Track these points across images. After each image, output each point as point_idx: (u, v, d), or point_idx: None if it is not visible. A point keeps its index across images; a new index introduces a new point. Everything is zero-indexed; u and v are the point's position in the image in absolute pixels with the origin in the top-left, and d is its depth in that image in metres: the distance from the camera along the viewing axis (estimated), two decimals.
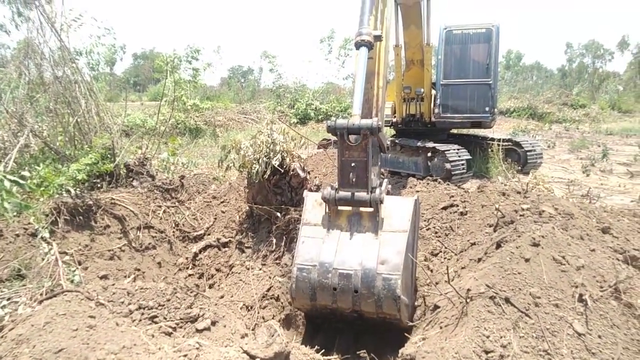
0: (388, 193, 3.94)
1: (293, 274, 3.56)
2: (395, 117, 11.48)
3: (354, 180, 3.54)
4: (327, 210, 3.71)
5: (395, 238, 3.57)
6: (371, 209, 3.62)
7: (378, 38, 4.00)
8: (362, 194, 3.55)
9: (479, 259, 4.00)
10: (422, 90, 10.69)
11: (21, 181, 3.80)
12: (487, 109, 10.37)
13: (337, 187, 3.62)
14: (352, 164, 3.53)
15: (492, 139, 11.22)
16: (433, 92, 11.03)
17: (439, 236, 5.05)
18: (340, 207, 3.69)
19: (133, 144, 6.63)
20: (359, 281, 3.44)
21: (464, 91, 10.50)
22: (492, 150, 10.44)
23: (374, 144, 3.69)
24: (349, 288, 3.45)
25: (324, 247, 3.58)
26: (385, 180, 4.00)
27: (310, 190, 5.14)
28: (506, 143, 10.89)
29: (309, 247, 3.62)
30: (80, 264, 4.20)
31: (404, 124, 11.25)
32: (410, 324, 3.69)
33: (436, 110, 10.69)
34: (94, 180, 5.21)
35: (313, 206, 3.82)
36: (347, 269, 3.47)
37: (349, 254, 3.53)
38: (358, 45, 3.89)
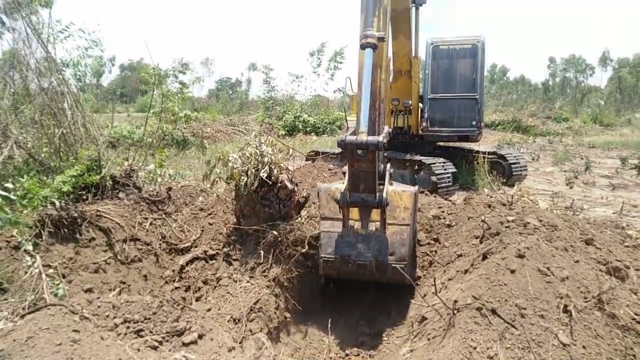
0: (390, 176, 4.61)
1: (320, 264, 4.37)
2: None
3: (362, 188, 4.09)
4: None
5: (400, 231, 4.26)
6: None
7: (382, 39, 4.16)
8: (370, 198, 4.09)
9: (466, 271, 4.05)
10: (410, 102, 10.82)
11: (12, 197, 3.74)
12: (473, 123, 10.54)
13: (348, 191, 4.17)
14: (361, 174, 4.03)
15: (478, 152, 11.38)
16: (420, 105, 11.17)
17: (427, 248, 5.08)
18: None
19: (120, 155, 6.57)
20: (374, 269, 4.20)
21: (451, 105, 10.67)
22: (477, 163, 10.58)
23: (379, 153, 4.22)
24: (366, 273, 4.24)
25: (342, 242, 4.26)
26: (388, 164, 4.68)
27: (299, 202, 5.15)
28: (491, 156, 11.04)
29: (329, 242, 4.31)
30: (64, 277, 4.13)
31: (392, 137, 11.35)
32: (414, 283, 4.46)
33: (424, 124, 10.82)
34: (80, 192, 5.13)
35: (327, 200, 4.48)
36: (363, 261, 4.19)
37: (364, 247, 4.22)
38: (363, 47, 4.05)
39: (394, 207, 4.32)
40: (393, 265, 4.14)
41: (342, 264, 4.23)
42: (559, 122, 30.74)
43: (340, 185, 4.45)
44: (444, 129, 10.75)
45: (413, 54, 10.55)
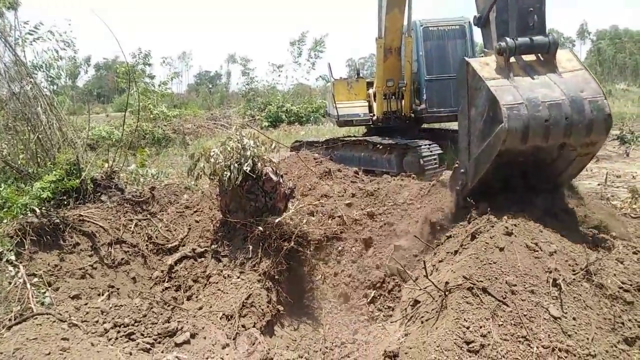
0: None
1: (504, 114, 3.67)
2: (373, 114, 11.52)
3: (532, 24, 3.81)
4: (499, 64, 3.97)
5: (576, 74, 3.90)
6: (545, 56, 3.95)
7: None
8: (541, 38, 3.81)
9: (455, 252, 4.06)
10: (405, 82, 10.74)
11: None
12: None
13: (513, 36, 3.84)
14: (530, 9, 3.79)
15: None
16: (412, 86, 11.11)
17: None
18: (511, 60, 3.95)
19: (99, 157, 6.44)
20: (569, 108, 3.68)
21: (447, 86, 10.65)
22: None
23: None
24: (560, 116, 3.69)
25: (520, 89, 3.78)
26: None
27: (285, 193, 5.10)
28: None
29: (506, 91, 3.79)
30: (50, 285, 4.05)
31: (384, 121, 11.29)
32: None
33: (423, 106, 10.80)
34: (60, 198, 5.01)
35: (481, 67, 4.04)
36: (555, 100, 3.70)
37: (547, 90, 3.78)
38: None
39: (559, 61, 4.00)
40: (590, 99, 3.70)
41: (530, 109, 3.68)
42: None
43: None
44: (442, 109, 10.77)
45: (405, 32, 10.44)
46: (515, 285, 3.21)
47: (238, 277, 4.36)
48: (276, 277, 4.51)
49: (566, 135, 3.77)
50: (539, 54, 4.02)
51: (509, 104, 3.72)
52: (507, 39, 3.91)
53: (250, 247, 4.57)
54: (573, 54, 4.22)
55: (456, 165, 4.65)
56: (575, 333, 2.97)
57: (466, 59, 4.35)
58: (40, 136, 5.37)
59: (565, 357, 2.80)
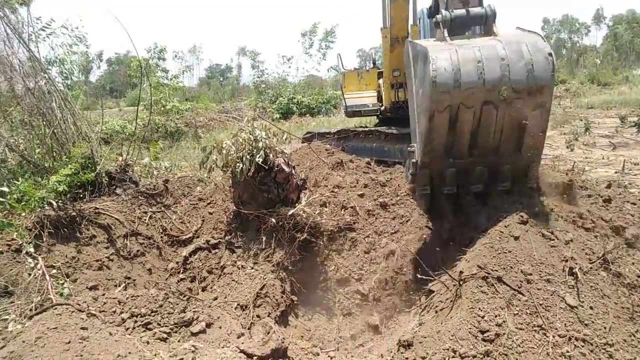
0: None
1: (431, 58, 3.52)
2: (382, 105, 11.42)
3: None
4: (438, 38, 3.86)
5: (515, 33, 3.76)
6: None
7: None
8: (477, 9, 3.74)
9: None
10: None
11: (1, 199, 3.70)
12: None
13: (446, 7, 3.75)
14: None
15: None
16: None
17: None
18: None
19: (113, 151, 6.51)
20: (504, 51, 3.51)
21: None
22: None
23: None
24: (495, 56, 3.50)
25: (455, 44, 3.65)
26: None
27: (297, 184, 5.10)
28: None
29: (439, 46, 3.65)
30: (68, 276, 4.13)
31: (392, 111, 11.18)
32: None
33: None
34: (76, 191, 5.10)
35: (420, 41, 4.04)
36: (489, 45, 3.58)
37: (483, 41, 3.67)
38: None
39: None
40: (528, 42, 3.53)
41: (461, 51, 3.54)
42: (556, 85, 30.39)
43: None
44: None
45: (411, 21, 10.30)
46: (530, 274, 3.18)
47: (252, 268, 4.39)
48: (290, 267, 4.52)
49: (504, 77, 3.51)
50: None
51: (438, 51, 3.60)
52: (444, 10, 3.84)
53: (264, 238, 4.59)
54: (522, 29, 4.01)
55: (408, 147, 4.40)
56: (592, 322, 2.94)
57: (408, 40, 4.31)
58: (55, 131, 5.45)
59: (582, 346, 2.78)
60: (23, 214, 4.44)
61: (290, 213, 4.65)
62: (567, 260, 3.28)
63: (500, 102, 3.57)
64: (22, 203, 4.53)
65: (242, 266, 4.43)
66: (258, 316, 3.82)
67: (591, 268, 3.27)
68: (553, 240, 3.47)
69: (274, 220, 4.61)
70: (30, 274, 3.83)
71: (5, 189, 4.48)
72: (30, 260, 3.97)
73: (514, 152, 3.82)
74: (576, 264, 3.25)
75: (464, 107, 3.59)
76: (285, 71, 28.99)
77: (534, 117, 3.62)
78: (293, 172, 4.98)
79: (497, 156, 3.85)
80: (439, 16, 3.84)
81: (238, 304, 3.90)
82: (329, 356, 3.92)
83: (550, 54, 3.49)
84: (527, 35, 3.71)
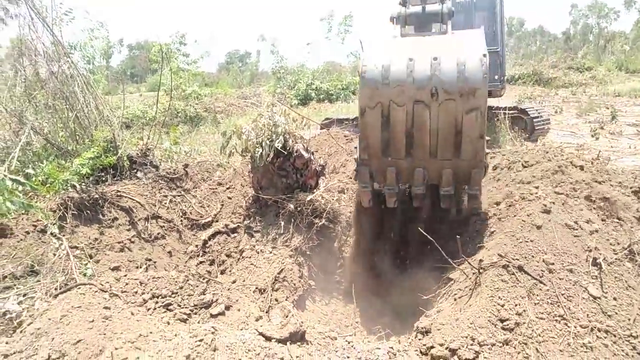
0: None
1: (364, 48, 3.57)
2: None
3: None
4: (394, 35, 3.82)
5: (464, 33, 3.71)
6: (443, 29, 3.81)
7: None
8: (434, 6, 3.66)
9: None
10: None
11: (22, 180, 3.78)
12: (496, 77, 10.16)
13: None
14: None
15: (498, 108, 11.05)
16: None
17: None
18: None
19: (134, 135, 6.60)
20: (438, 47, 3.47)
21: None
22: (498, 119, 10.29)
23: None
24: (426, 52, 3.45)
25: (397, 40, 3.68)
26: None
27: (316, 170, 5.09)
28: (512, 111, 10.71)
29: (378, 42, 3.66)
30: (91, 257, 4.22)
31: None
32: None
33: None
34: (99, 174, 5.19)
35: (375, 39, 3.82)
36: (425, 42, 3.57)
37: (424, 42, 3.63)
38: None
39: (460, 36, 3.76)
40: (466, 42, 3.49)
41: (393, 45, 3.56)
42: (581, 72, 29.52)
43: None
44: None
45: None
46: (552, 263, 3.12)
47: (270, 252, 4.42)
48: (307, 252, 4.55)
49: (434, 77, 3.38)
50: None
51: (374, 46, 3.57)
52: (400, 7, 3.76)
53: (282, 223, 4.62)
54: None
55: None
56: (616, 313, 2.87)
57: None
58: (78, 114, 5.54)
59: (605, 337, 2.72)
60: (47, 196, 4.55)
61: (309, 199, 4.66)
62: (590, 251, 3.20)
63: (431, 102, 3.46)
64: (47, 185, 4.64)
65: (260, 250, 4.47)
66: (276, 300, 3.85)
67: (616, 259, 3.20)
68: (577, 230, 3.39)
69: (292, 205, 4.62)
70: (55, 254, 3.94)
71: (30, 171, 4.59)
72: (54, 240, 4.07)
73: (453, 156, 3.66)
74: (600, 254, 3.17)
75: (394, 105, 3.52)
76: (304, 57, 28.83)
77: (469, 120, 3.46)
78: (312, 157, 4.97)
79: (436, 159, 3.71)
80: (393, 12, 3.79)
81: (256, 288, 3.94)
82: (346, 341, 3.94)
83: (484, 55, 3.35)
84: (468, 34, 3.63)
